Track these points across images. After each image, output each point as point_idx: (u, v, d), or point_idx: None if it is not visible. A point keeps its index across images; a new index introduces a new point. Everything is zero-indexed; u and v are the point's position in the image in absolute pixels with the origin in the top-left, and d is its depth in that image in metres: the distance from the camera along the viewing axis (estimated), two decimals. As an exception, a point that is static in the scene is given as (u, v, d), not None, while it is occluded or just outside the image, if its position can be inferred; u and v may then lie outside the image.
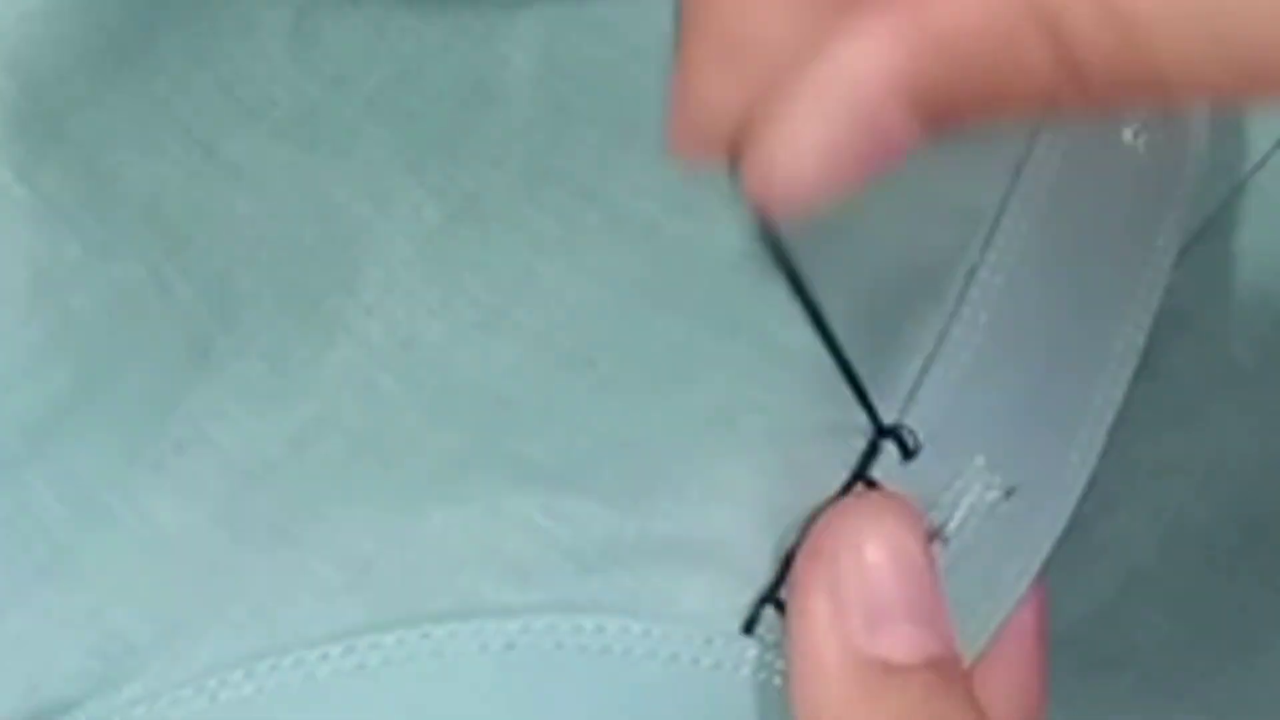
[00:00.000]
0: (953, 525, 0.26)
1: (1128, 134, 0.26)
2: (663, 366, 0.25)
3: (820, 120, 0.18)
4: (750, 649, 0.24)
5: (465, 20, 0.26)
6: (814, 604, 0.23)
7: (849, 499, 0.25)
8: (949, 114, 0.19)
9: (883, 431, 0.25)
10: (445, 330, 0.25)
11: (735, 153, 0.19)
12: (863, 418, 0.25)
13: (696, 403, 0.25)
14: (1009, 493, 0.26)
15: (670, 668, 0.24)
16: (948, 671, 0.23)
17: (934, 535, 0.26)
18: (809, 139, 0.19)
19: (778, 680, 0.24)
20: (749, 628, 0.24)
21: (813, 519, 0.25)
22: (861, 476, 0.25)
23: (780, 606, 0.25)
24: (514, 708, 0.23)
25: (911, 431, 0.25)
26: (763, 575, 0.25)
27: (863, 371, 0.25)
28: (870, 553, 0.23)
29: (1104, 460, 0.30)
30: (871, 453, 0.25)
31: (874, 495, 0.25)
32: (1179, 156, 0.27)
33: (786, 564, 0.25)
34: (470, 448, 0.24)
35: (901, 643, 0.23)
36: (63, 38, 0.24)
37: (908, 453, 0.25)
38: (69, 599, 0.23)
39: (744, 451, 0.25)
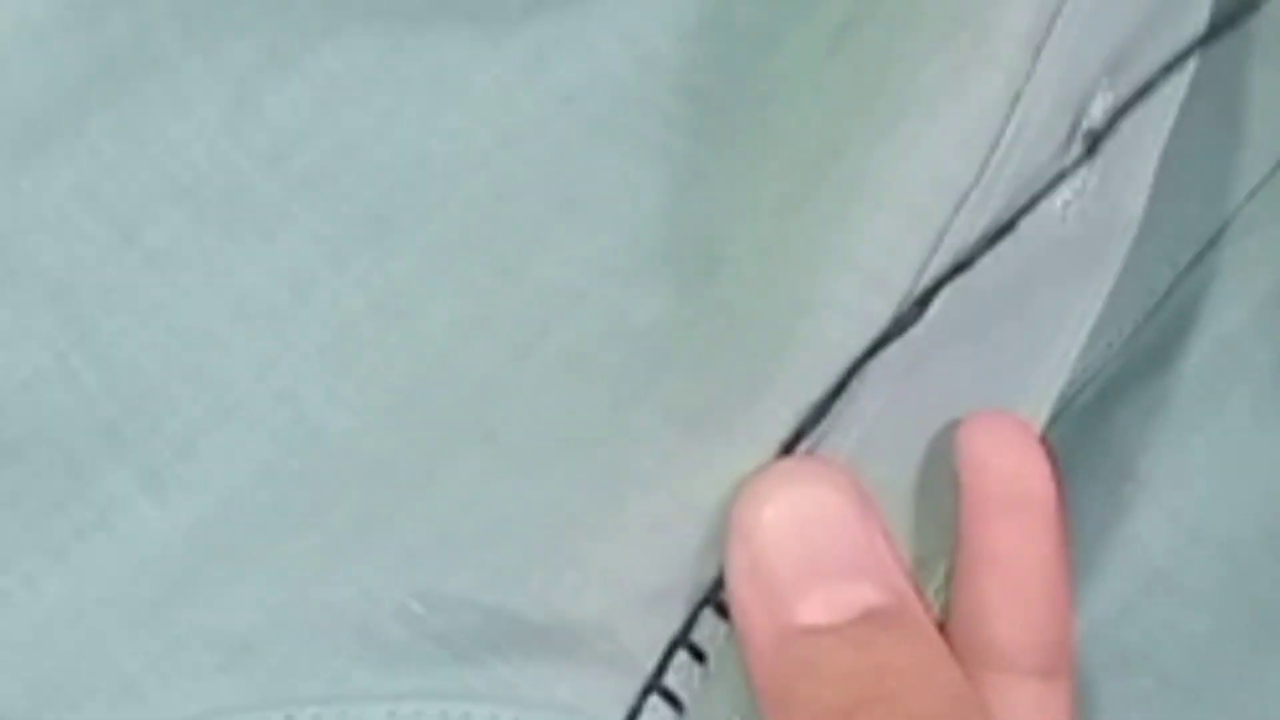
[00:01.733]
0: None
1: (1058, 203, 0.23)
2: (564, 439, 0.24)
3: None
4: (633, 739, 0.24)
5: (415, 87, 0.25)
6: (737, 586, 0.22)
7: (758, 470, 0.23)
8: None
9: None
10: (354, 418, 0.24)
11: None
12: None
13: (586, 476, 0.24)
14: None
15: None
16: (891, 621, 0.22)
17: None
18: None
19: None
20: (632, 718, 0.24)
21: (702, 604, 0.24)
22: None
23: (667, 695, 0.24)
24: None
25: None
26: (648, 663, 0.24)
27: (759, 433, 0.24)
28: (778, 518, 0.22)
29: (1123, 462, 0.31)
30: None
31: (781, 461, 0.23)
32: (1111, 227, 0.25)
33: (670, 651, 0.24)
34: (355, 531, 0.24)
35: (828, 603, 0.22)
36: None
37: None
38: None
39: (628, 532, 0.24)
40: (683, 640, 0.24)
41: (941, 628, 0.24)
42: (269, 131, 0.24)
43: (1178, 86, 0.25)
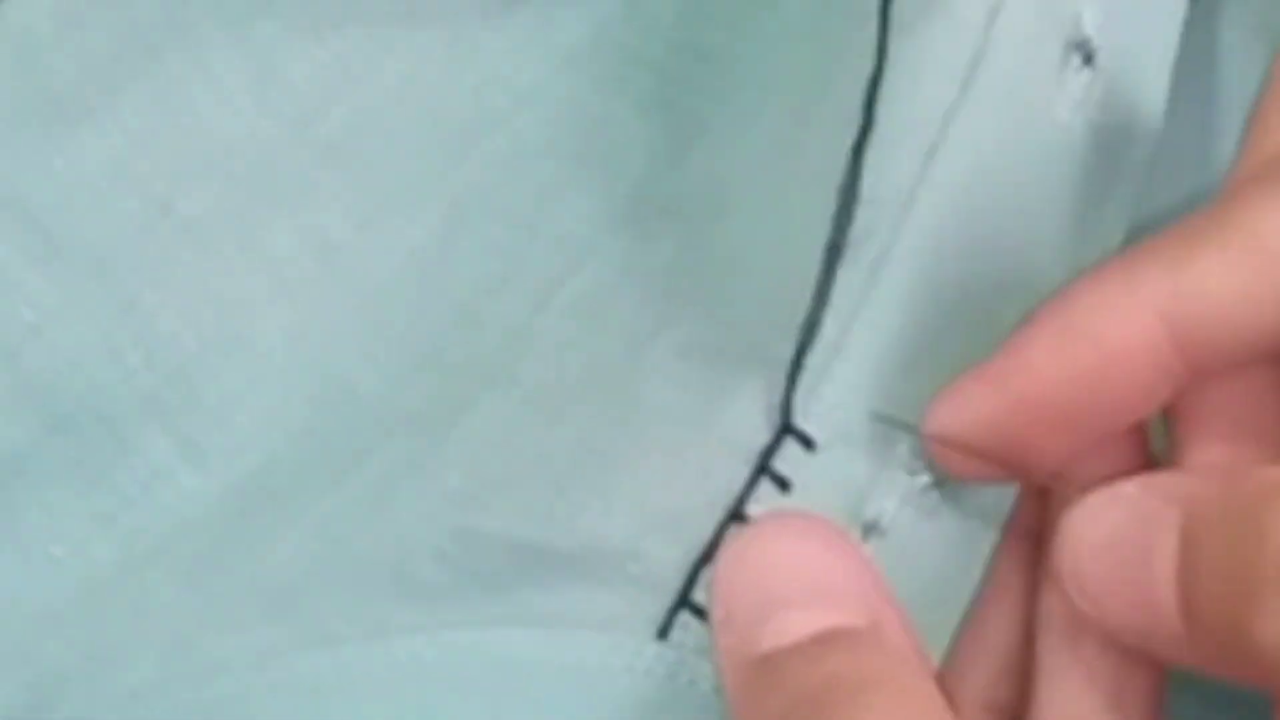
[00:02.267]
0: (887, 518, 0.25)
1: (1064, 113, 0.25)
2: (583, 379, 0.25)
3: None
4: (665, 654, 0.24)
5: (431, 52, 0.26)
6: (717, 640, 0.23)
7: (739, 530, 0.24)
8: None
9: (786, 429, 0.24)
10: (385, 376, 0.25)
11: None
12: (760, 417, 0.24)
13: (607, 412, 0.25)
14: (939, 482, 0.25)
15: (578, 674, 0.24)
16: (850, 638, 0.22)
17: (869, 530, 0.25)
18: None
19: (704, 684, 0.24)
20: (663, 634, 0.24)
21: (725, 521, 0.25)
22: (765, 470, 0.24)
23: (696, 610, 0.25)
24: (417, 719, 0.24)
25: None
26: (675, 582, 0.25)
27: (770, 362, 0.25)
28: (751, 560, 0.22)
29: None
30: (774, 447, 0.24)
31: (765, 516, 0.24)
32: (1126, 133, 0.26)
33: (697, 568, 0.25)
34: (390, 481, 0.25)
35: (785, 629, 0.22)
36: (12, 104, 0.24)
37: (809, 444, 0.24)
38: (4, 636, 0.24)
39: (649, 459, 0.25)
40: (709, 557, 0.25)
41: None
42: (293, 100, 0.25)
43: None
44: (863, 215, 0.24)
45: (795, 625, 0.22)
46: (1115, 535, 0.22)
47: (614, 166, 0.26)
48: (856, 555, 0.23)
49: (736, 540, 0.23)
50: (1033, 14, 0.24)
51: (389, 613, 0.24)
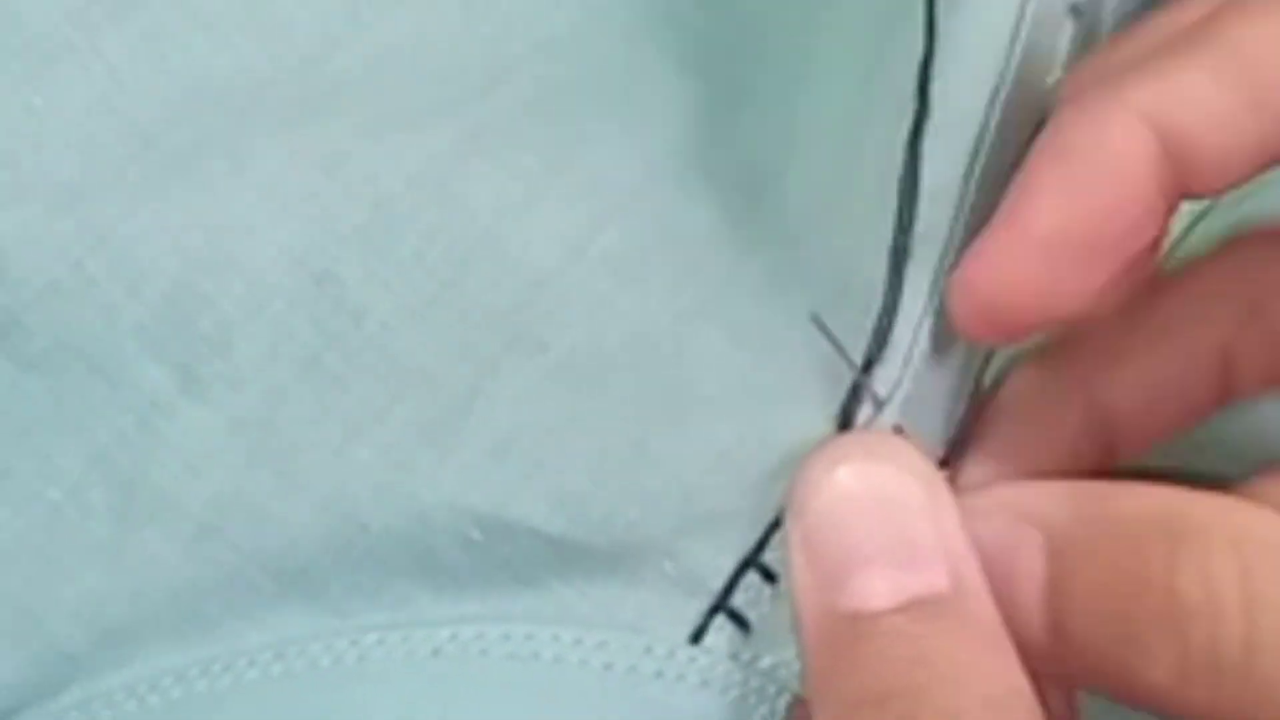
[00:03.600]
0: None
1: (1049, 79, 0.23)
2: (615, 352, 0.24)
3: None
4: (699, 659, 0.23)
5: (446, 3, 0.25)
6: (792, 555, 0.22)
7: (823, 442, 0.23)
8: None
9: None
10: (396, 305, 0.24)
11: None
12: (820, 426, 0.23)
13: (647, 398, 0.23)
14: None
15: (605, 676, 0.23)
16: (938, 609, 0.21)
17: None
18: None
19: (735, 692, 0.23)
20: (696, 638, 0.23)
21: (772, 525, 0.23)
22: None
23: (733, 614, 0.23)
24: (436, 713, 0.23)
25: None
26: (714, 583, 0.23)
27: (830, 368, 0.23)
28: (836, 494, 0.22)
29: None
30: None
31: (850, 435, 0.23)
32: None
33: (740, 572, 0.23)
34: (407, 446, 0.23)
35: (878, 587, 0.21)
36: None
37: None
38: (8, 608, 0.23)
39: (693, 458, 0.23)
40: (753, 560, 0.23)
41: None
42: (294, 44, 0.24)
43: None
44: (924, 212, 0.23)
45: (881, 587, 0.21)
46: (981, 545, 0.22)
47: (649, 120, 0.25)
48: (940, 493, 0.22)
49: (817, 462, 0.22)
50: None
51: (409, 596, 0.23)
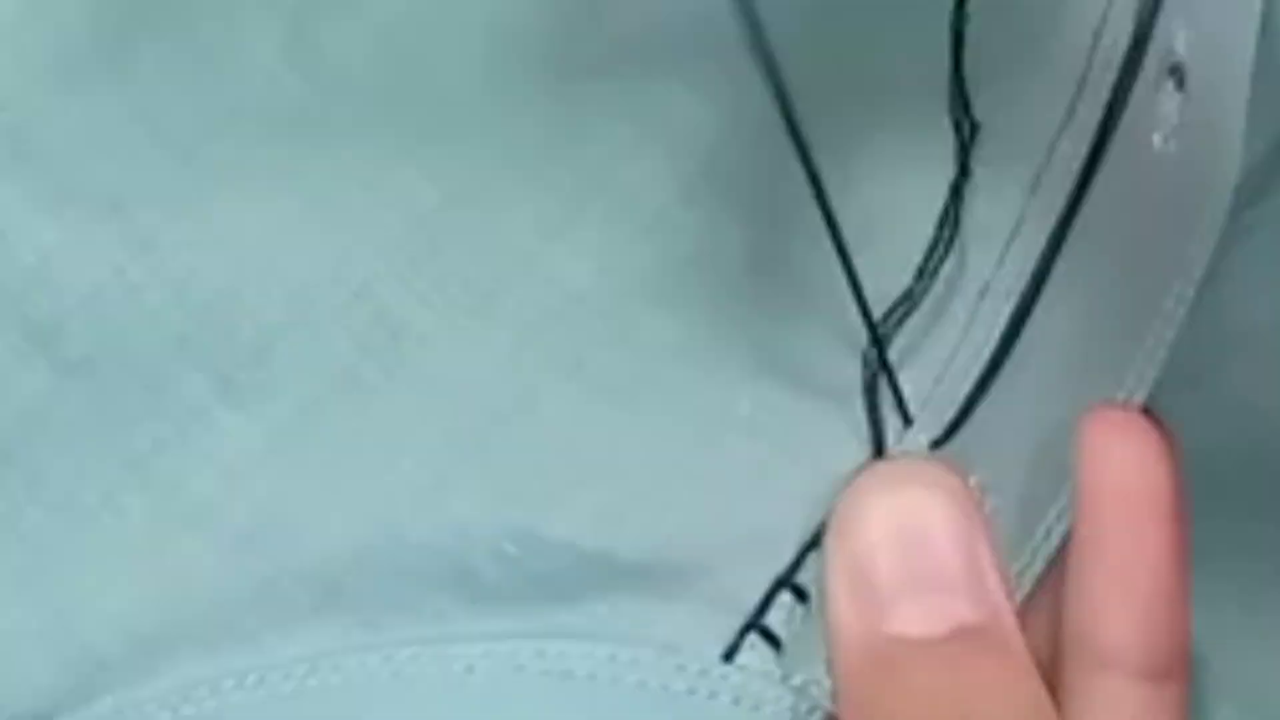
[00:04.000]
0: None
1: (1157, 139, 0.23)
2: (651, 373, 0.24)
3: None
4: (731, 677, 0.23)
5: (471, 32, 0.25)
6: (833, 584, 0.22)
7: (866, 468, 0.23)
8: None
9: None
10: (435, 319, 0.24)
11: None
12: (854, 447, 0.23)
13: (683, 417, 0.24)
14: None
15: (638, 694, 0.23)
16: (980, 639, 0.22)
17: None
18: None
19: (768, 709, 0.23)
20: (730, 655, 0.23)
21: (808, 545, 0.24)
22: None
23: (766, 634, 0.23)
24: None
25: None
26: (749, 602, 0.24)
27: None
28: (881, 519, 0.22)
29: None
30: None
31: (890, 462, 0.23)
32: (1213, 158, 0.25)
33: (774, 590, 0.24)
34: (445, 461, 0.23)
35: (921, 615, 0.22)
36: (24, 53, 0.23)
37: None
38: (43, 611, 0.24)
39: (729, 477, 0.23)
40: (787, 580, 0.24)
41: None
42: (328, 66, 0.24)
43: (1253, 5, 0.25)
44: (970, 250, 0.23)
45: (934, 614, 0.22)
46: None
47: (678, 139, 0.25)
48: (978, 524, 0.22)
49: (860, 489, 0.22)
50: (1130, 36, 0.23)
51: (444, 611, 0.24)
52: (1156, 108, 0.24)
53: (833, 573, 0.22)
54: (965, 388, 0.24)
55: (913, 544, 0.22)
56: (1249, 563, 0.29)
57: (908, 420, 0.24)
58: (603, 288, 0.24)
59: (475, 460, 0.24)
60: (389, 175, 0.24)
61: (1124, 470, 0.24)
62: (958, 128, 0.23)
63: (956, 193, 0.23)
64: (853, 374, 0.24)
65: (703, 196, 0.24)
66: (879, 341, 0.23)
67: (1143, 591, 0.23)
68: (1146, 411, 0.25)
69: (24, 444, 0.24)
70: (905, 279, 0.24)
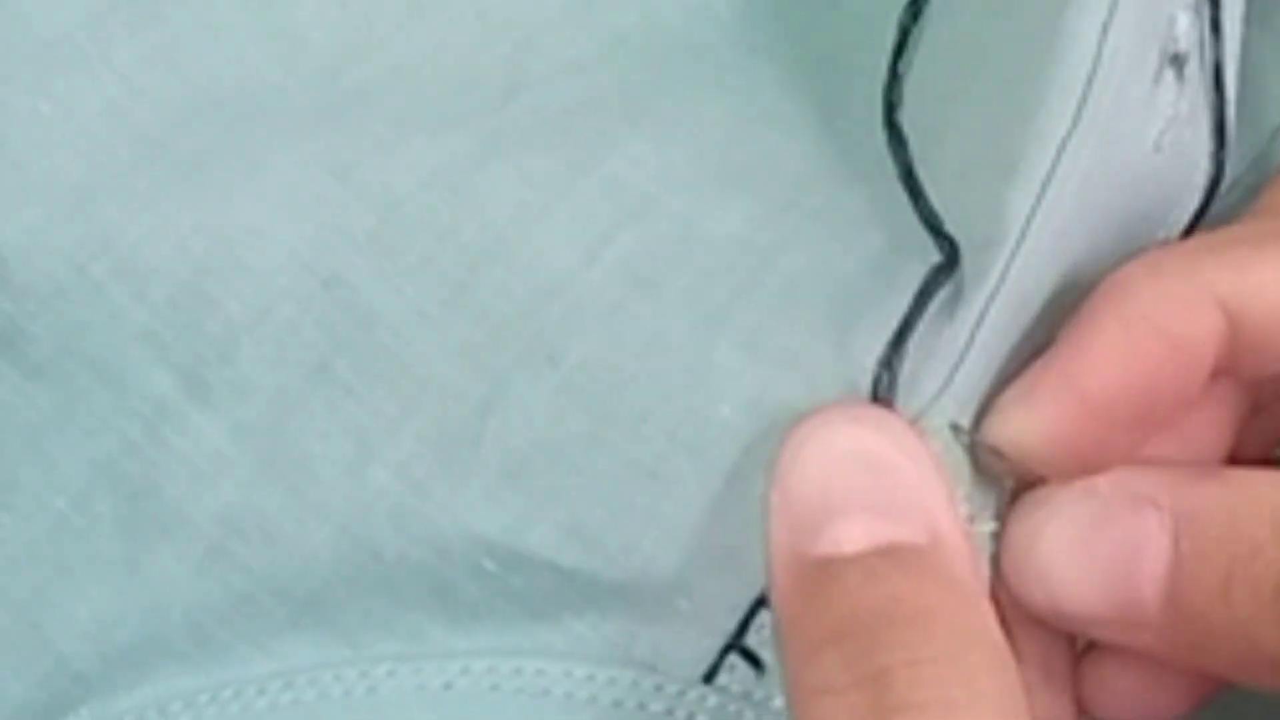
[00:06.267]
0: None
1: (1154, 133, 0.23)
2: (629, 365, 0.23)
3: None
4: (709, 698, 0.23)
5: (463, 21, 0.25)
6: (769, 520, 0.22)
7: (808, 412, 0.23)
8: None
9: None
10: (408, 309, 0.23)
11: None
12: None
13: (660, 424, 0.23)
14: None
15: (615, 714, 0.23)
16: (916, 559, 0.22)
17: None
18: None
19: None
20: (710, 676, 0.23)
21: None
22: None
23: (746, 654, 0.23)
24: None
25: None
26: (729, 622, 0.23)
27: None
28: (818, 452, 0.22)
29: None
30: None
31: (836, 404, 0.23)
32: (1193, 158, 0.24)
33: (753, 610, 0.23)
34: (425, 468, 0.23)
35: (848, 535, 0.21)
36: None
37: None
38: (18, 623, 0.23)
39: (705, 486, 0.23)
40: (767, 600, 0.23)
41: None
42: (311, 57, 0.24)
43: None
44: (978, 257, 0.22)
45: (856, 534, 0.21)
46: (1089, 533, 0.22)
47: (670, 128, 0.24)
48: (924, 459, 0.22)
49: (802, 427, 0.22)
50: (1134, 25, 0.22)
51: (422, 627, 0.23)
52: (1154, 100, 0.23)
53: (770, 508, 0.22)
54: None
55: (850, 471, 0.22)
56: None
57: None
58: (582, 275, 0.23)
59: (452, 469, 0.23)
60: (362, 164, 0.24)
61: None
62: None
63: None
64: (842, 372, 0.23)
65: (691, 184, 0.24)
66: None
67: None
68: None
69: (16, 463, 0.23)
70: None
